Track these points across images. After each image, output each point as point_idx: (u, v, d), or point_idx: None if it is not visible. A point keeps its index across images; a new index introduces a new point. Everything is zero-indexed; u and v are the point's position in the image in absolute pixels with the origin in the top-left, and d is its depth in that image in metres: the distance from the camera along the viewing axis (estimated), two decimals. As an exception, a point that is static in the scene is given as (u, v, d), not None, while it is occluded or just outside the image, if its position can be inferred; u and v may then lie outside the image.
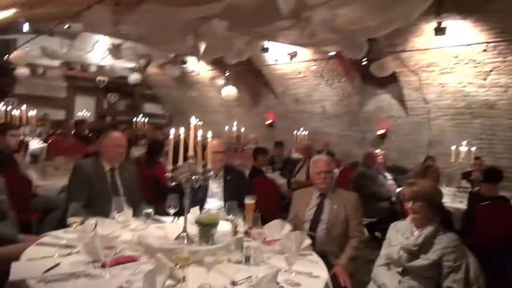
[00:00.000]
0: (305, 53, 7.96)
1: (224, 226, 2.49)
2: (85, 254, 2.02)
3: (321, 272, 2.10)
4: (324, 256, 2.43)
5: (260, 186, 4.35)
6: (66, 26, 5.89)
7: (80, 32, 7.78)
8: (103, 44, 8.29)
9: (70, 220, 2.23)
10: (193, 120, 2.31)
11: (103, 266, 1.89)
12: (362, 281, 2.70)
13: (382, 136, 8.33)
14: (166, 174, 2.33)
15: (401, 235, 2.44)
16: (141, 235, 2.27)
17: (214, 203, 3.27)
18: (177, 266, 1.77)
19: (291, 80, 9.13)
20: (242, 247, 2.18)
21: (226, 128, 8.01)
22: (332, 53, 7.42)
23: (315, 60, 8.07)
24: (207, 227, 2.22)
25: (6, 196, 2.74)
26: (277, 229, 2.57)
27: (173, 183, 2.33)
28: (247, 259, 2.13)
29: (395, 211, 4.71)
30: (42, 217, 3.88)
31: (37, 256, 2.03)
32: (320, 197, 3.01)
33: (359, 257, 2.84)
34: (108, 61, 9.17)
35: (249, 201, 2.84)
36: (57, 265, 1.92)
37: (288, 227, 2.60)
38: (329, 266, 2.30)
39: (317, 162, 3.08)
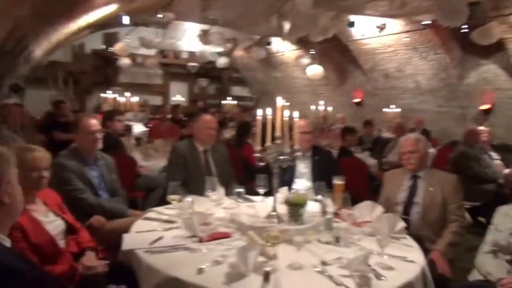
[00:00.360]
0: (395, 25, 7.45)
1: (312, 207, 2.50)
2: (184, 229, 2.18)
3: (417, 257, 2.00)
4: (418, 241, 2.30)
5: (349, 167, 4.24)
6: (160, 16, 6.27)
7: (171, 21, 8.24)
8: (192, 31, 8.69)
9: (170, 197, 2.42)
10: (279, 101, 2.32)
11: (200, 241, 2.03)
12: (463, 269, 2.52)
13: (487, 112, 7.52)
14: (254, 155, 2.39)
15: (510, 220, 2.21)
16: (234, 213, 2.38)
17: (302, 183, 3.28)
18: (268, 244, 1.82)
19: (380, 55, 8.64)
20: (332, 228, 2.17)
21: (313, 107, 7.90)
22: (426, 23, 6.84)
23: (407, 32, 7.51)
24: (296, 207, 2.25)
25: (117, 176, 3.06)
26: (368, 210, 2.51)
27: (261, 164, 2.39)
28: (337, 240, 2.11)
29: (502, 194, 4.26)
30: (146, 196, 4.26)
31: (143, 229, 2.25)
32: (412, 178, 2.83)
33: (460, 243, 2.64)
34: (197, 47, 9.59)
35: (337, 181, 2.80)
36: (160, 238, 2.10)
37: (379, 209, 2.51)
38: (425, 251, 2.18)
39: (402, 141, 2.90)
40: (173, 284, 1.69)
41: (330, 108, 6.74)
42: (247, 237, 2.10)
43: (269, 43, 9.65)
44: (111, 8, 8.19)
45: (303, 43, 9.13)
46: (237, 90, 14.32)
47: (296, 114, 2.49)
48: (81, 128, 2.79)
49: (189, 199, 2.44)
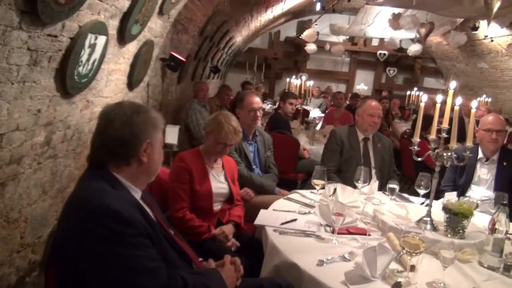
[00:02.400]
0: None
1: (482, 221, 2.02)
2: (319, 216, 2.06)
3: None
4: None
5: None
6: (347, 1, 6.09)
7: (364, 5, 7.94)
8: (384, 15, 8.15)
9: (314, 182, 2.33)
10: (452, 85, 1.91)
11: (333, 231, 1.88)
12: None
13: None
14: (413, 147, 2.05)
15: None
16: (378, 210, 2.12)
17: (479, 191, 2.70)
18: (404, 251, 1.54)
19: None
20: (502, 251, 1.69)
21: None
22: None
23: None
24: (455, 216, 1.84)
25: (272, 153, 3.14)
26: None
27: (419, 159, 2.04)
28: (507, 268, 1.64)
29: None
30: (306, 178, 4.28)
31: (281, 209, 2.24)
32: None
33: None
34: (388, 33, 8.98)
35: (529, 195, 2.19)
36: (294, 220, 2.05)
37: None
38: None
39: None
40: (290, 269, 1.61)
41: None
42: (386, 238, 1.84)
43: (475, 28, 8.26)
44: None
45: (520, 26, 7.47)
46: (430, 82, 12.90)
47: (474, 103, 2.01)
48: (244, 104, 2.94)
49: (333, 185, 2.29)
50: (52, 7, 1.56)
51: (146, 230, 1.18)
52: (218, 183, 2.36)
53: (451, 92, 1.89)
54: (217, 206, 2.33)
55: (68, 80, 2.02)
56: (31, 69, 1.74)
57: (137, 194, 1.33)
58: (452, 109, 1.90)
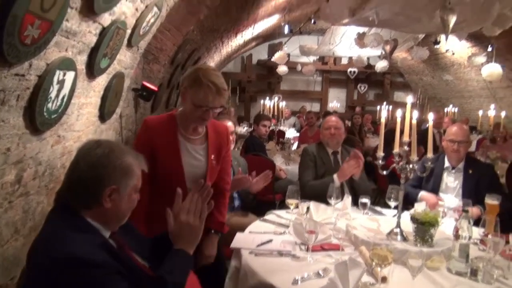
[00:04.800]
0: None
1: (450, 228, 2.10)
2: (294, 235, 2.11)
3: None
4: None
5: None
6: (312, 23, 6.32)
7: (329, 26, 8.23)
8: (350, 35, 8.47)
9: (287, 201, 2.38)
10: (409, 100, 2.03)
11: (308, 249, 1.92)
12: None
13: None
14: (378, 162, 2.14)
15: None
16: (350, 225, 2.18)
17: (448, 199, 2.80)
18: (373, 263, 1.59)
19: None
20: (468, 256, 1.77)
21: (480, 113, 6.69)
22: None
23: None
24: (422, 226, 1.92)
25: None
26: None
27: (385, 172, 2.13)
28: (473, 273, 1.71)
29: None
30: (284, 199, 4.32)
31: (257, 230, 2.27)
32: None
33: None
34: (355, 51, 9.31)
35: (491, 201, 2.31)
36: (270, 241, 2.08)
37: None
38: None
39: None
40: (266, 290, 1.64)
41: (504, 113, 5.56)
42: (359, 252, 1.90)
43: (437, 42, 8.66)
44: (274, 19, 8.71)
45: (477, 39, 7.88)
46: (400, 96, 13.34)
47: (431, 115, 2.13)
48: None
49: (306, 204, 2.34)
50: (19, 48, 1.59)
51: (116, 268, 1.18)
52: (192, 160, 1.92)
53: (408, 106, 2.00)
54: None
55: (38, 117, 2.04)
56: (-2, 108, 1.75)
57: (106, 233, 1.31)
58: (410, 122, 2.01)
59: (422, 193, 2.86)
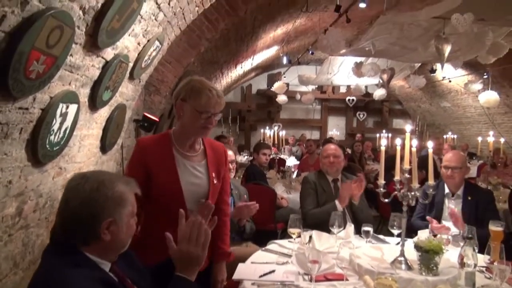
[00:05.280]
0: None
1: (455, 256, 2.08)
2: (297, 265, 2.08)
3: None
4: None
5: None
6: (310, 53, 6.47)
7: (327, 56, 8.40)
8: (347, 64, 8.64)
9: (289, 231, 2.36)
10: (408, 128, 2.05)
11: (311, 279, 1.89)
12: None
13: None
14: (379, 189, 2.14)
15: None
16: (354, 253, 2.15)
17: (450, 226, 2.77)
18: (379, 293, 1.57)
19: None
20: (474, 284, 1.74)
21: (480, 139, 6.72)
22: None
23: None
24: (427, 254, 1.90)
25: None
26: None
27: (386, 200, 2.12)
28: (480, 301, 1.68)
29: None
30: (286, 228, 4.28)
31: (260, 261, 2.24)
32: None
33: None
34: (353, 80, 9.46)
35: (495, 227, 2.29)
36: (272, 271, 2.05)
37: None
38: None
39: None
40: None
41: (503, 140, 5.59)
42: (363, 282, 1.87)
43: (433, 70, 8.82)
44: (273, 50, 8.91)
45: (473, 66, 8.03)
46: (399, 123, 13.44)
47: (430, 144, 2.14)
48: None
49: (308, 233, 2.33)
50: (23, 83, 1.63)
51: None
52: (192, 177, 1.82)
53: (407, 134, 2.02)
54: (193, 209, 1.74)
55: (40, 150, 2.06)
56: (1, 141, 1.77)
57: (106, 266, 1.29)
58: (410, 149, 2.02)
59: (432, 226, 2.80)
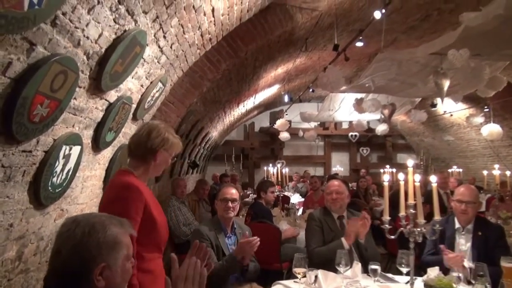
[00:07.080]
0: None
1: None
2: (303, 307, 2.01)
3: None
4: None
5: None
6: (311, 91, 6.57)
7: (328, 94, 8.53)
8: (349, 101, 8.75)
9: (295, 271, 2.30)
10: (410, 163, 2.04)
11: (318, 322, 1.82)
12: None
13: None
14: (385, 226, 2.10)
15: None
16: (362, 294, 2.08)
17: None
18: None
19: None
20: (488, 325, 1.66)
21: (485, 172, 6.67)
22: None
23: None
24: (437, 293, 1.83)
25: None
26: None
27: (393, 236, 2.08)
28: None
29: None
30: (291, 267, 4.17)
31: (264, 303, 2.17)
32: None
33: None
34: (355, 116, 9.54)
35: (508, 264, 2.22)
36: (278, 314, 1.98)
37: None
38: None
39: None
40: None
41: (509, 173, 5.55)
42: (372, 324, 1.79)
43: (434, 105, 8.90)
44: (274, 89, 9.08)
45: (473, 100, 8.11)
46: (403, 157, 13.40)
47: (433, 178, 2.13)
48: (219, 195, 2.98)
49: (314, 272, 2.26)
50: (27, 126, 1.66)
51: None
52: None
53: (410, 169, 2.01)
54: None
55: (42, 192, 2.05)
56: (4, 184, 1.77)
57: None
58: (413, 184, 2.00)
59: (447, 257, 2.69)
